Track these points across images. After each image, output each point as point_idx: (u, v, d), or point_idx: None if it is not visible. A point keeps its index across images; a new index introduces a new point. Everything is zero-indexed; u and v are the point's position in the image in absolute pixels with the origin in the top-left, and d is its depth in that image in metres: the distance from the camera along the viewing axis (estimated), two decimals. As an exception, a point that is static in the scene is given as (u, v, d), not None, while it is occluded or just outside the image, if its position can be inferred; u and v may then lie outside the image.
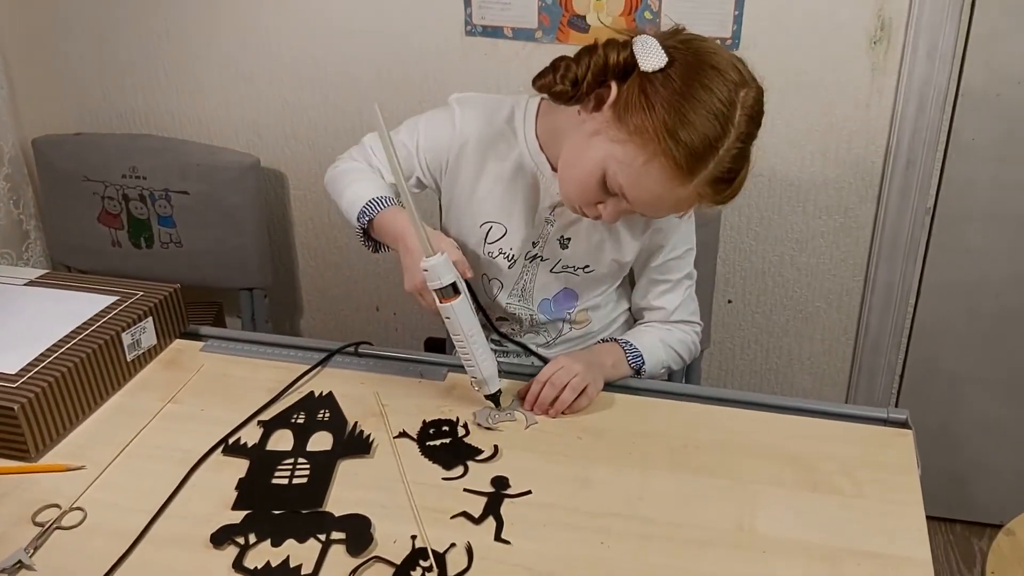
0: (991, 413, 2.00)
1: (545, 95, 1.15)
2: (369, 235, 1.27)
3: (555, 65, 1.13)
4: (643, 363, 1.31)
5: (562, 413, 1.20)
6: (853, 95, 1.72)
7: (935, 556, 2.06)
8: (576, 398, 1.20)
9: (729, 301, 1.98)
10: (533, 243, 1.32)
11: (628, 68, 1.10)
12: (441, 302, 1.14)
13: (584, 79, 1.11)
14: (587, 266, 1.33)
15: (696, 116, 1.05)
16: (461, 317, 1.14)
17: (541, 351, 1.40)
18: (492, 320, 1.37)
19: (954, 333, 1.94)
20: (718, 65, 1.07)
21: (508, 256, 1.33)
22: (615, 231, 1.31)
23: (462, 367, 1.29)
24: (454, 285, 1.13)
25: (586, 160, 1.14)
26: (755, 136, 1.10)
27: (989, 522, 2.12)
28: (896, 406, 1.93)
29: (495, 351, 1.25)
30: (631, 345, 1.31)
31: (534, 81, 1.14)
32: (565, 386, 1.20)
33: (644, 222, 1.30)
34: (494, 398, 1.21)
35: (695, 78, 1.06)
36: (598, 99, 1.12)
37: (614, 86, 1.10)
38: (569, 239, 1.31)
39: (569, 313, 1.38)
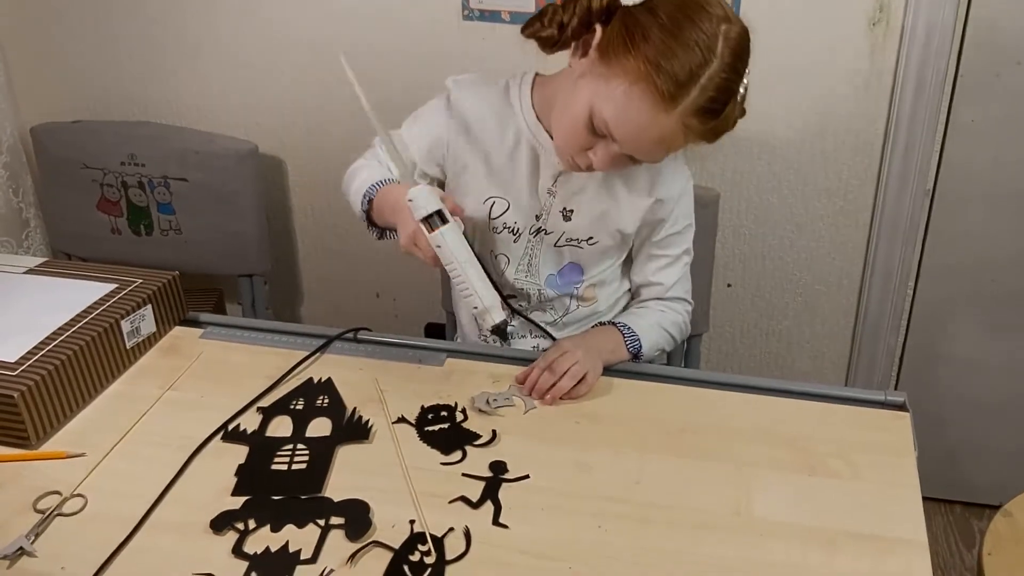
0: (990, 395, 2.01)
1: (542, 52, 1.18)
2: (372, 221, 1.29)
3: (543, 11, 1.16)
4: (640, 347, 1.32)
5: (560, 399, 1.20)
6: (852, 77, 1.72)
7: (934, 537, 2.07)
8: (575, 385, 1.20)
9: (728, 285, 1.98)
10: (536, 216, 1.33)
11: (611, 10, 1.13)
12: (430, 232, 1.13)
13: (569, 23, 1.13)
14: (591, 238, 1.34)
15: (678, 45, 1.06)
16: (452, 245, 1.13)
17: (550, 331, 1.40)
18: (504, 297, 1.38)
19: (954, 315, 1.94)
20: (702, 0, 1.08)
21: (513, 230, 1.34)
22: (617, 201, 1.31)
23: (461, 352, 1.29)
24: (441, 214, 1.12)
25: (574, 104, 1.15)
26: (742, 74, 1.11)
27: (988, 503, 2.13)
28: (896, 388, 1.93)
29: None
30: (629, 329, 1.32)
31: (523, 29, 1.18)
32: (564, 373, 1.20)
33: (647, 190, 1.31)
34: (500, 330, 1.17)
35: (679, 11, 1.08)
36: (585, 45, 1.14)
37: (599, 28, 1.13)
38: (572, 211, 1.32)
39: (576, 288, 1.39)
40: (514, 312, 1.38)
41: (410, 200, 1.13)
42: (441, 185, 1.36)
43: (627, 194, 1.31)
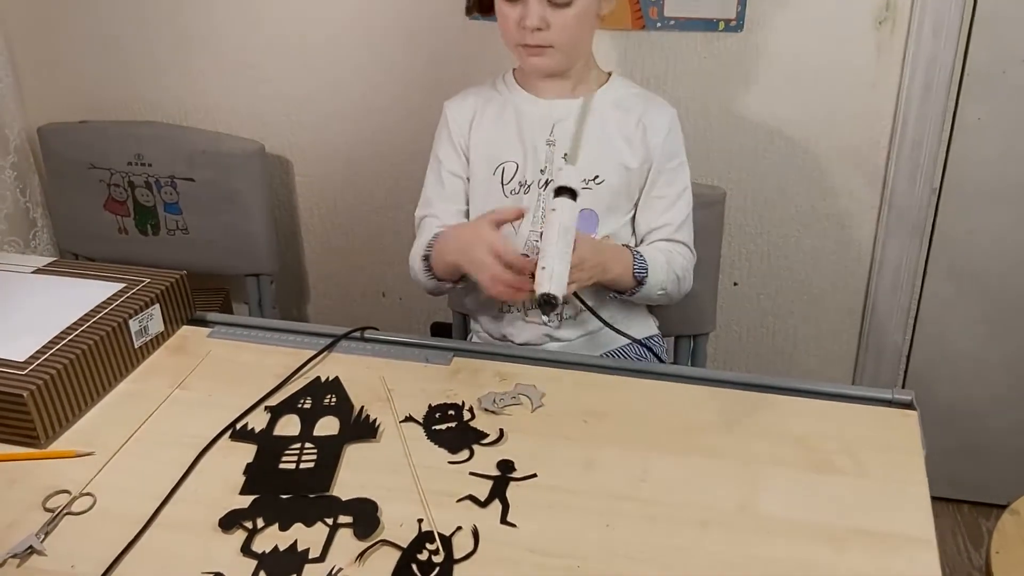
0: (998, 394, 2.00)
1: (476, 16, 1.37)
2: (436, 274, 1.37)
3: None
4: (646, 276, 1.35)
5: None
6: (859, 75, 1.72)
7: (942, 537, 2.06)
8: None
9: (735, 283, 1.98)
10: (541, 170, 1.38)
11: None
12: (555, 197, 1.16)
13: None
14: (596, 176, 1.37)
15: None
16: (565, 218, 1.15)
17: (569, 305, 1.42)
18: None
19: (960, 314, 1.94)
20: None
21: (523, 184, 1.39)
22: (610, 138, 1.39)
23: (467, 351, 1.29)
24: (573, 193, 1.16)
25: (496, 7, 1.32)
26: None
27: (996, 503, 2.12)
28: (903, 387, 1.93)
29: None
30: (640, 256, 1.36)
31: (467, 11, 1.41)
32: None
33: (636, 123, 1.39)
34: (549, 302, 1.13)
35: None
36: None
37: None
38: (565, 154, 1.34)
39: (594, 219, 1.40)
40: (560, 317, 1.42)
41: (560, 169, 1.22)
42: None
43: (618, 131, 1.39)
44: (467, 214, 1.44)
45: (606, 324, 1.34)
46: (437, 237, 1.36)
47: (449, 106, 1.46)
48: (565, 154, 1.30)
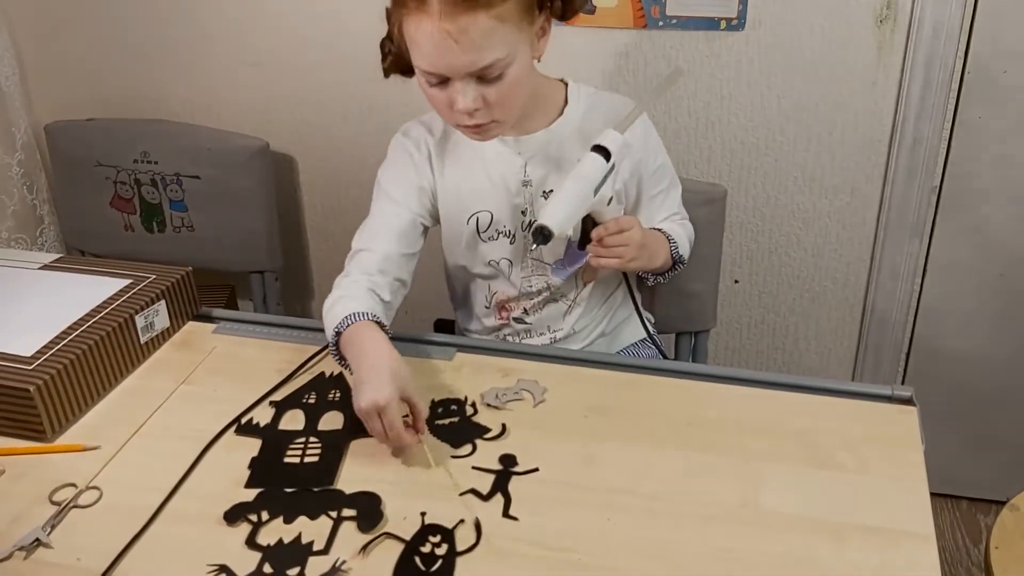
0: (998, 391, 2.01)
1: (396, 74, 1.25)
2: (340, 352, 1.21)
3: (380, 47, 1.25)
4: (680, 255, 1.38)
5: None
6: (859, 74, 1.72)
7: (941, 533, 2.07)
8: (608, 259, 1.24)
9: (736, 281, 1.99)
10: (522, 212, 1.33)
11: None
12: (591, 151, 1.17)
13: (392, 42, 1.21)
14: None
15: None
16: (588, 168, 1.17)
17: (566, 322, 1.43)
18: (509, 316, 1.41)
19: (960, 311, 1.94)
20: None
21: (505, 233, 1.34)
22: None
23: (470, 347, 1.30)
24: (607, 153, 1.17)
25: (420, 86, 1.20)
26: None
27: (995, 499, 2.13)
28: (903, 383, 1.94)
29: (521, 330, 1.35)
30: (672, 239, 1.38)
31: (384, 75, 1.26)
32: (615, 256, 1.24)
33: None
34: (543, 234, 1.14)
35: None
36: None
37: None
38: (552, 190, 1.31)
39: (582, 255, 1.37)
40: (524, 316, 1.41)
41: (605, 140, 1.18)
42: (426, 229, 1.36)
43: None
44: (413, 257, 1.34)
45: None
46: (353, 329, 1.17)
47: (403, 141, 1.34)
48: (600, 147, 1.20)
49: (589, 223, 1.24)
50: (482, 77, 1.14)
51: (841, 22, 1.68)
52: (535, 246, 1.19)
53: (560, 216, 1.15)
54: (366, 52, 1.91)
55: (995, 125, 1.75)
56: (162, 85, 2.06)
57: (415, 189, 1.33)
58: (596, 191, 1.18)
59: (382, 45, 1.24)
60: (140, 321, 1.29)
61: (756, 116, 1.80)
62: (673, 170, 1.43)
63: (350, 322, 1.17)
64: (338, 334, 1.18)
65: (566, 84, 1.33)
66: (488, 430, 1.15)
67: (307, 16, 1.90)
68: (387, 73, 1.25)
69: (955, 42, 1.66)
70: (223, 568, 0.95)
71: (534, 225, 1.15)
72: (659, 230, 1.38)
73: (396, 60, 1.23)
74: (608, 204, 1.23)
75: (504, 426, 1.15)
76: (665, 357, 1.51)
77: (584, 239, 1.26)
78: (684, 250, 1.40)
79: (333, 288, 1.28)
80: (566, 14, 1.20)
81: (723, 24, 1.72)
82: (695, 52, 1.76)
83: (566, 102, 1.31)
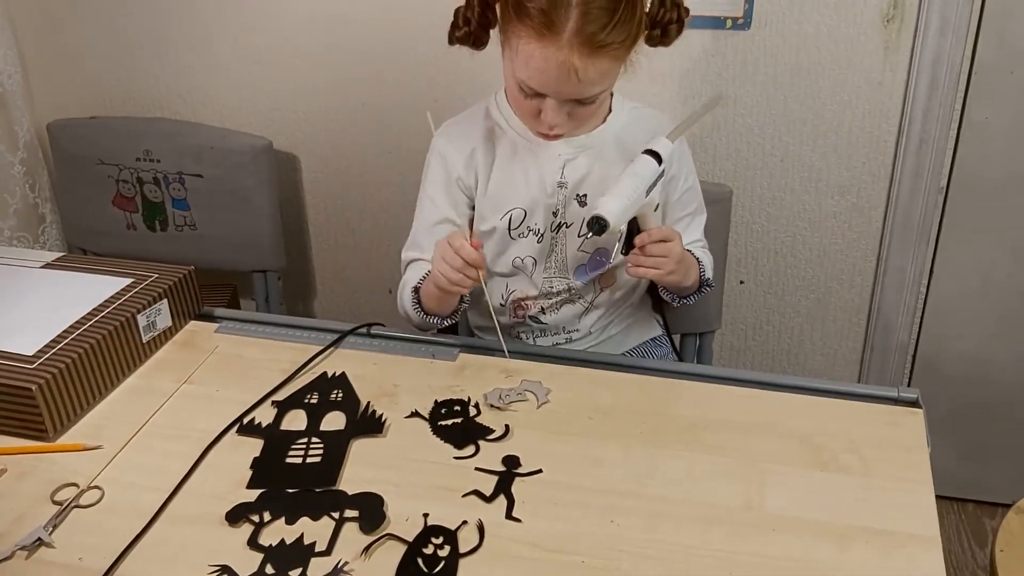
0: (1004, 393, 2.00)
1: (461, 45, 1.24)
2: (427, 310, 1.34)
3: (454, 16, 1.22)
4: (708, 278, 1.40)
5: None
6: (866, 74, 1.72)
7: (947, 536, 2.07)
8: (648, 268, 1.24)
9: (741, 282, 1.98)
10: (554, 213, 1.34)
11: None
12: (644, 152, 1.19)
13: (473, 16, 1.19)
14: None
15: None
16: (641, 168, 1.18)
17: (582, 324, 1.43)
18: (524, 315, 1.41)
19: (966, 313, 1.94)
20: None
21: (535, 231, 1.35)
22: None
23: (473, 348, 1.30)
24: (659, 157, 1.19)
25: (507, 83, 1.22)
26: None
27: (1001, 501, 2.12)
28: (909, 386, 1.93)
29: (537, 329, 1.37)
30: (702, 265, 1.39)
31: (449, 41, 1.24)
32: (654, 266, 1.24)
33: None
34: (599, 224, 1.15)
35: None
36: (499, 30, 1.20)
37: (497, 9, 1.19)
38: (585, 195, 1.33)
39: (605, 261, 1.39)
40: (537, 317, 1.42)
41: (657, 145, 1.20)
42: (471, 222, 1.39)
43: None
44: None
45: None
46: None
47: (440, 142, 1.37)
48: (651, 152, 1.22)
49: (634, 227, 1.24)
50: (579, 102, 1.19)
51: (848, 22, 1.68)
52: (589, 235, 1.21)
53: (616, 209, 1.15)
54: (371, 51, 1.92)
55: (1002, 126, 1.74)
56: (165, 83, 2.06)
57: (446, 191, 1.36)
58: (648, 192, 1.19)
59: (457, 13, 1.22)
60: (142, 320, 1.29)
61: (762, 116, 1.80)
62: (701, 197, 1.43)
63: (422, 280, 1.30)
64: (416, 291, 1.32)
65: (611, 94, 1.34)
66: (491, 431, 1.14)
67: (312, 14, 1.90)
68: (454, 42, 1.24)
69: (962, 42, 1.65)
70: (225, 568, 0.94)
71: (597, 214, 1.15)
72: (688, 251, 1.38)
73: (470, 35, 1.22)
74: (655, 210, 1.25)
75: (507, 427, 1.15)
76: (679, 355, 1.50)
77: (627, 244, 1.26)
78: (710, 275, 1.41)
79: (398, 292, 1.41)
80: (664, 43, 1.23)
81: (729, 23, 1.71)
82: (701, 51, 1.76)
83: (610, 110, 1.34)
